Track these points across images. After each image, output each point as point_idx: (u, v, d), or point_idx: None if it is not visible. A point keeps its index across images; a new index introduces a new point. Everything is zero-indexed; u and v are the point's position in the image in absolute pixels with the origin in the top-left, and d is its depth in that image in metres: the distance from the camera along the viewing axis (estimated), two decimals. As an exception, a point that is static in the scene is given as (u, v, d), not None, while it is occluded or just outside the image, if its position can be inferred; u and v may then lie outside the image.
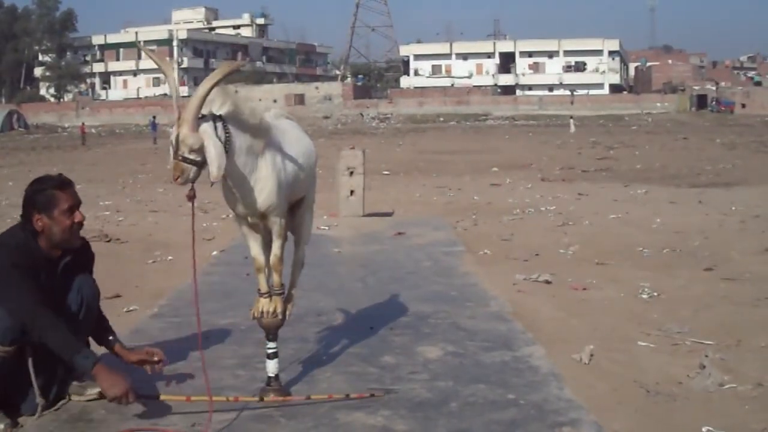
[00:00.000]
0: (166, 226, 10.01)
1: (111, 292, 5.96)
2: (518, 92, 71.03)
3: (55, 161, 26.80)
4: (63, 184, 3.21)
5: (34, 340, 3.03)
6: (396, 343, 4.20)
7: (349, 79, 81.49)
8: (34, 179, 3.28)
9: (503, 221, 9.95)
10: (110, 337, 3.50)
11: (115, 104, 71.71)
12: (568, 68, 73.44)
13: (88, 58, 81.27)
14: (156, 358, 3.42)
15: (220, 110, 2.97)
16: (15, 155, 31.00)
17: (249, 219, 3.25)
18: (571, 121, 42.60)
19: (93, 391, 3.30)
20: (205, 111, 2.92)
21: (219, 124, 2.93)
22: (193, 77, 75.58)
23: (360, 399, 3.33)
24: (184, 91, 69.59)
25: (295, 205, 3.55)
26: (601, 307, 5.34)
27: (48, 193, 3.15)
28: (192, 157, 2.86)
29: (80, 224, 3.24)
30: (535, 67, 74.26)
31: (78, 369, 3.09)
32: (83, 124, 47.14)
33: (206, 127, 2.88)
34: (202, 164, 2.88)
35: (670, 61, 78.51)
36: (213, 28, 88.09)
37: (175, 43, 77.14)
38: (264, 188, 3.11)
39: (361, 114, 62.20)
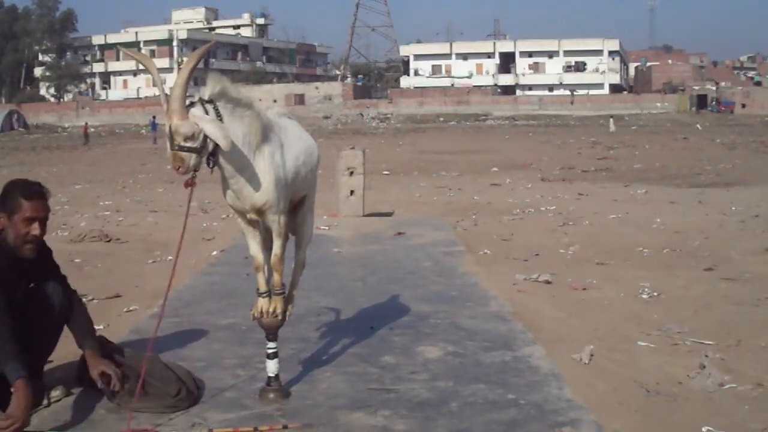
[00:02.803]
0: (166, 226, 10.00)
1: (111, 292, 5.98)
2: (518, 92, 71.04)
3: (55, 161, 26.80)
4: (32, 194, 3.22)
5: None
6: (396, 343, 4.20)
7: (349, 79, 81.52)
8: (15, 179, 3.33)
9: (503, 221, 9.94)
10: (86, 341, 3.39)
11: (115, 104, 71.70)
12: (568, 68, 73.44)
13: (88, 58, 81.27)
14: (114, 382, 3.25)
15: (210, 95, 2.98)
16: (15, 155, 30.99)
17: (247, 215, 3.23)
18: (611, 120, 42.61)
19: (54, 394, 3.35)
20: (195, 98, 2.95)
21: (210, 107, 2.95)
22: (193, 77, 75.42)
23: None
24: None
25: (297, 206, 3.54)
26: (601, 307, 5.34)
27: (13, 196, 3.20)
28: (189, 144, 2.87)
29: (35, 237, 3.23)
30: (535, 67, 74.27)
31: (8, 381, 3.04)
32: (86, 124, 47.00)
33: (196, 111, 2.90)
34: (200, 150, 2.89)
35: (670, 61, 78.50)
36: (213, 28, 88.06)
37: (175, 43, 77.13)
38: (261, 183, 3.09)
39: (361, 114, 62.18)
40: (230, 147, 2.89)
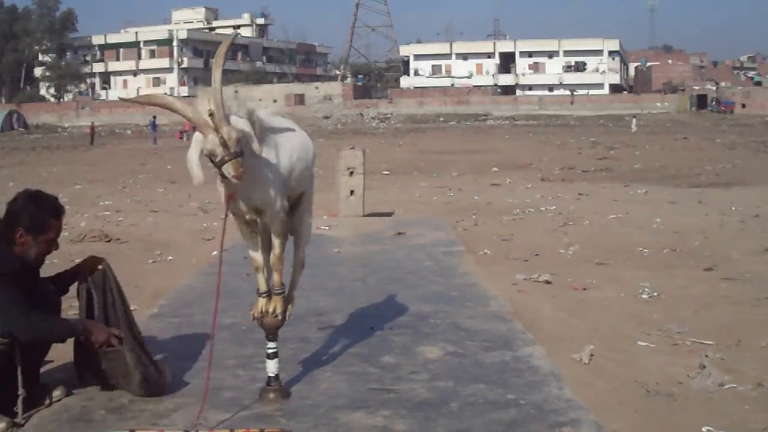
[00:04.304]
0: (166, 226, 10.01)
1: (111, 292, 5.97)
2: (518, 92, 71.04)
3: (55, 161, 26.80)
4: (58, 212, 3.31)
5: (32, 337, 3.18)
6: (396, 343, 4.19)
7: (349, 79, 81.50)
8: (32, 194, 3.31)
9: (503, 221, 9.94)
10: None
11: (115, 104, 71.59)
12: (568, 68, 73.44)
13: (88, 58, 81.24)
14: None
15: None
16: (15, 155, 31.00)
17: (246, 216, 3.23)
18: (634, 120, 42.59)
19: (55, 394, 3.36)
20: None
21: None
22: (193, 77, 75.65)
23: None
24: (184, 91, 69.68)
25: (294, 205, 3.54)
26: (601, 307, 5.34)
27: (43, 219, 3.24)
28: (239, 149, 2.87)
29: (55, 250, 3.35)
30: (535, 67, 74.27)
31: (78, 335, 3.35)
32: (93, 123, 46.96)
33: (232, 117, 2.93)
34: (242, 153, 2.90)
35: (670, 61, 78.50)
36: (213, 28, 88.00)
37: (175, 43, 77.14)
38: (258, 182, 3.08)
39: (361, 114, 62.18)
40: (261, 149, 2.96)
